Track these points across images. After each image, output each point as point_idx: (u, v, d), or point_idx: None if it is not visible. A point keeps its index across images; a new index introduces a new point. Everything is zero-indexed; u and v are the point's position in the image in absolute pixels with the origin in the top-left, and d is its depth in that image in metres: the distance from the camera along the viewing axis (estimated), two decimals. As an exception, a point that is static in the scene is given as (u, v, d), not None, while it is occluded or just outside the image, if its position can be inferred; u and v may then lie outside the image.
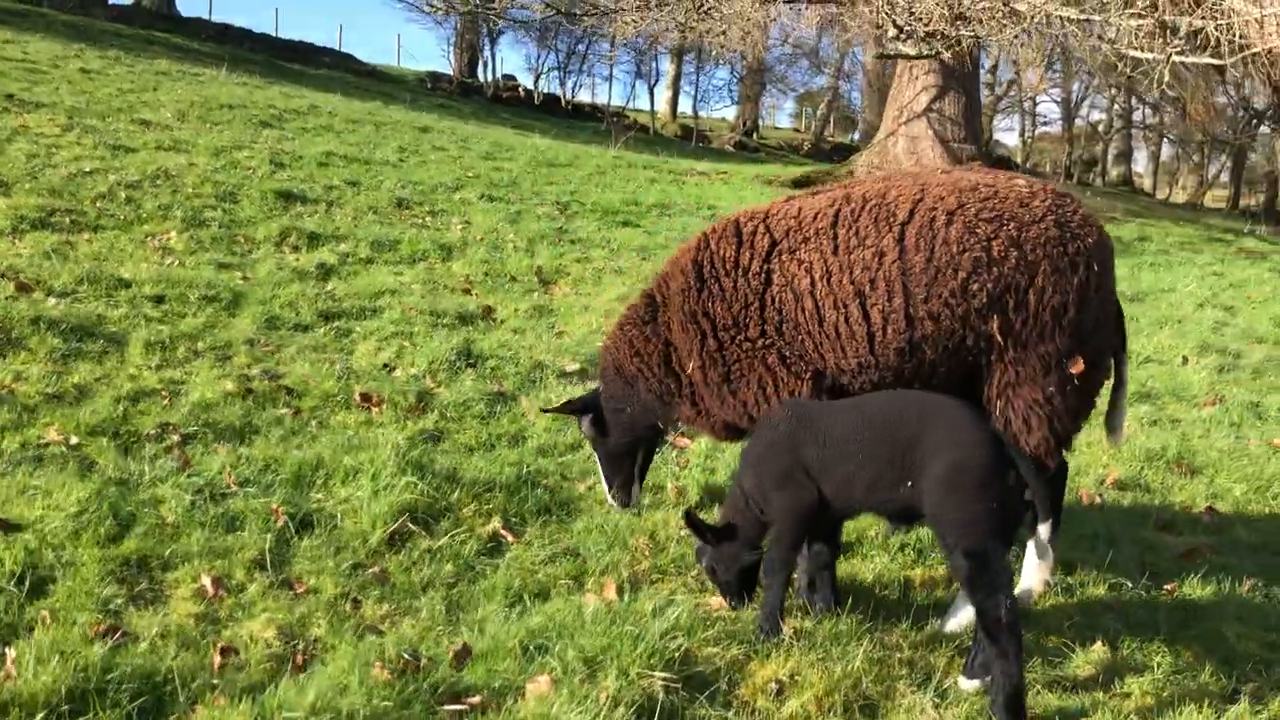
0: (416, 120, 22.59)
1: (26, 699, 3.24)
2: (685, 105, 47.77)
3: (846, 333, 4.62)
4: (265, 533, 4.73)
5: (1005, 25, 16.59)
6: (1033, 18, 16.23)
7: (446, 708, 3.55)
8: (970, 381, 4.63)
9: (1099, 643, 4.47)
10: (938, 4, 16.84)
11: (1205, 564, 5.49)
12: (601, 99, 49.45)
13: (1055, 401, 4.47)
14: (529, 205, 14.39)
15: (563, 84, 45.50)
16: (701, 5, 14.78)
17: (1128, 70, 17.56)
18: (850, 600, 4.56)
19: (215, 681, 3.57)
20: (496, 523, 5.18)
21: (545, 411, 6.18)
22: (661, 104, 46.68)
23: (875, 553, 5.28)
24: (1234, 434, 8.04)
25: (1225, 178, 48.34)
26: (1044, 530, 4.27)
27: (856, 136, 52.24)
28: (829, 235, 4.70)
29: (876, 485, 4.11)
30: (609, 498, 5.57)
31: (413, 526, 4.99)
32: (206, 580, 4.31)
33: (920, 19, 17.71)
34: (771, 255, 4.81)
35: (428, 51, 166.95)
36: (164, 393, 6.28)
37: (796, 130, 56.75)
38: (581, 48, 44.82)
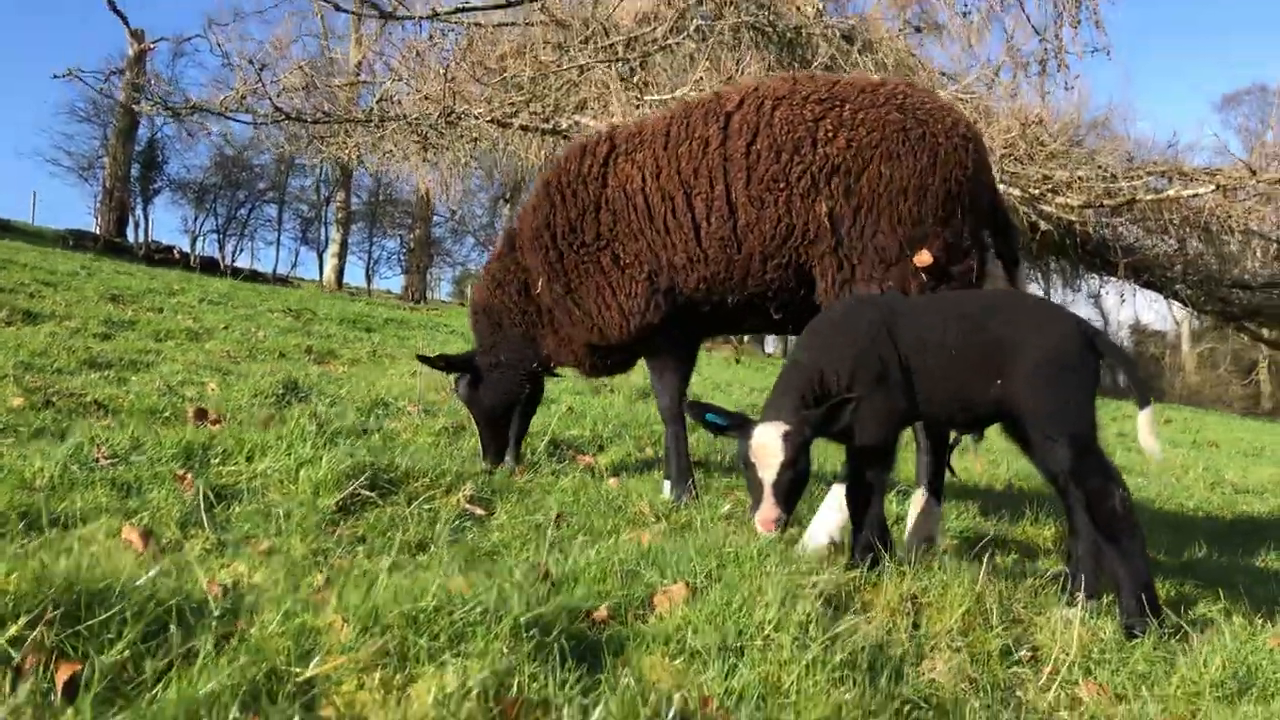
0: (68, 261, 20.35)
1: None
2: (352, 275, 46.75)
3: (674, 225, 4.59)
4: (177, 501, 3.53)
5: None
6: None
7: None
8: (806, 281, 4.47)
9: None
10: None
11: None
12: (262, 264, 47.25)
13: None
14: (260, 310, 13.09)
15: (221, 248, 43.19)
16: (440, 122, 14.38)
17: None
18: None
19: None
20: (461, 497, 4.20)
21: (422, 360, 5.58)
22: (328, 271, 45.43)
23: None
24: None
25: None
26: (1144, 417, 3.87)
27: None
28: (663, 133, 4.72)
29: (964, 386, 3.70)
30: (483, 461, 5.27)
31: (367, 493, 3.92)
32: (133, 535, 3.09)
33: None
34: (609, 159, 4.85)
35: (71, 210, 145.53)
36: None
37: (461, 304, 57.08)
38: (243, 212, 42.99)
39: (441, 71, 13.32)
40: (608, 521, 4.08)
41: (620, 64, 14.92)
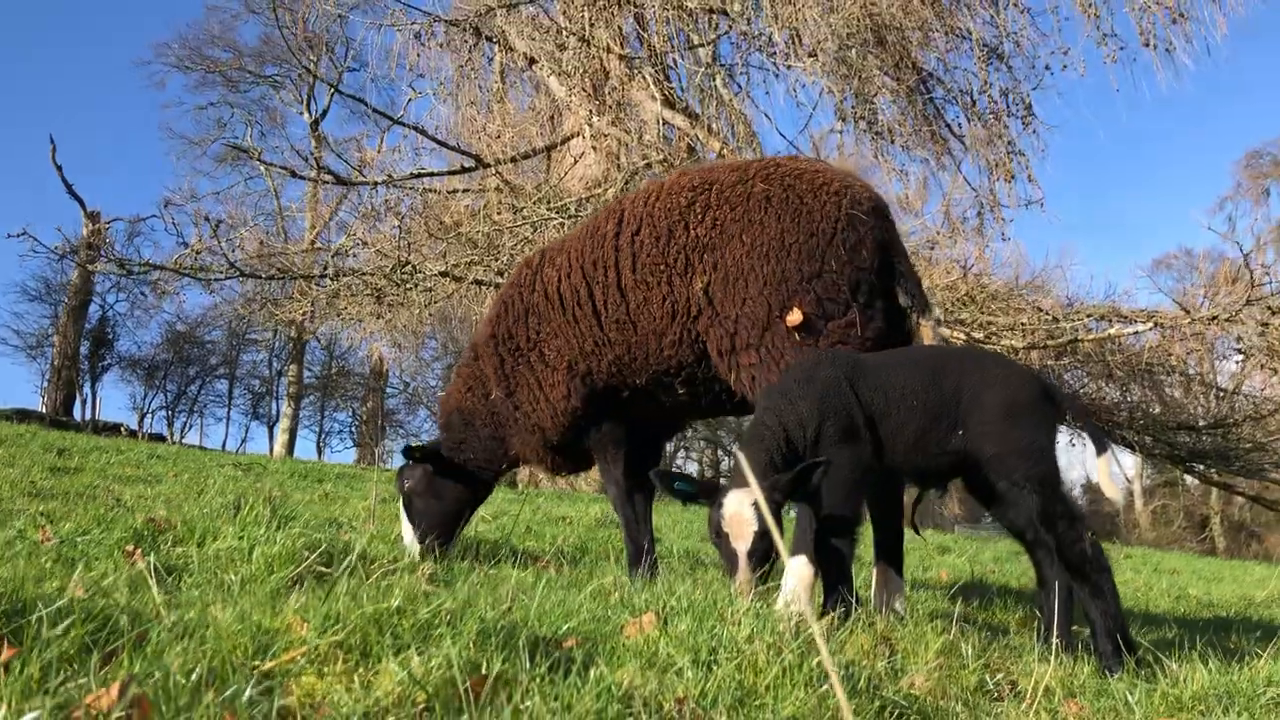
0: (9, 428, 19.98)
1: None
2: (303, 449, 46.21)
3: (580, 314, 4.87)
4: (126, 572, 3.40)
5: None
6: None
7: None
8: (703, 355, 4.64)
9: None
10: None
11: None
12: (211, 441, 46.67)
13: (780, 357, 4.28)
14: (209, 466, 12.87)
15: (170, 424, 42.65)
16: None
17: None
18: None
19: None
20: (420, 575, 4.07)
21: (407, 454, 5.66)
22: (279, 446, 44.92)
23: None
24: None
25: None
26: (1103, 463, 3.92)
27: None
28: (578, 236, 5.06)
29: (926, 437, 3.74)
30: (414, 552, 5.18)
31: (324, 569, 3.81)
32: (77, 588, 2.96)
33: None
34: (539, 267, 5.16)
35: (16, 390, 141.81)
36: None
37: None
38: (193, 388, 42.66)
39: (397, 223, 13.57)
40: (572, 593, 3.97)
41: (574, 221, 15.34)
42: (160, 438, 41.22)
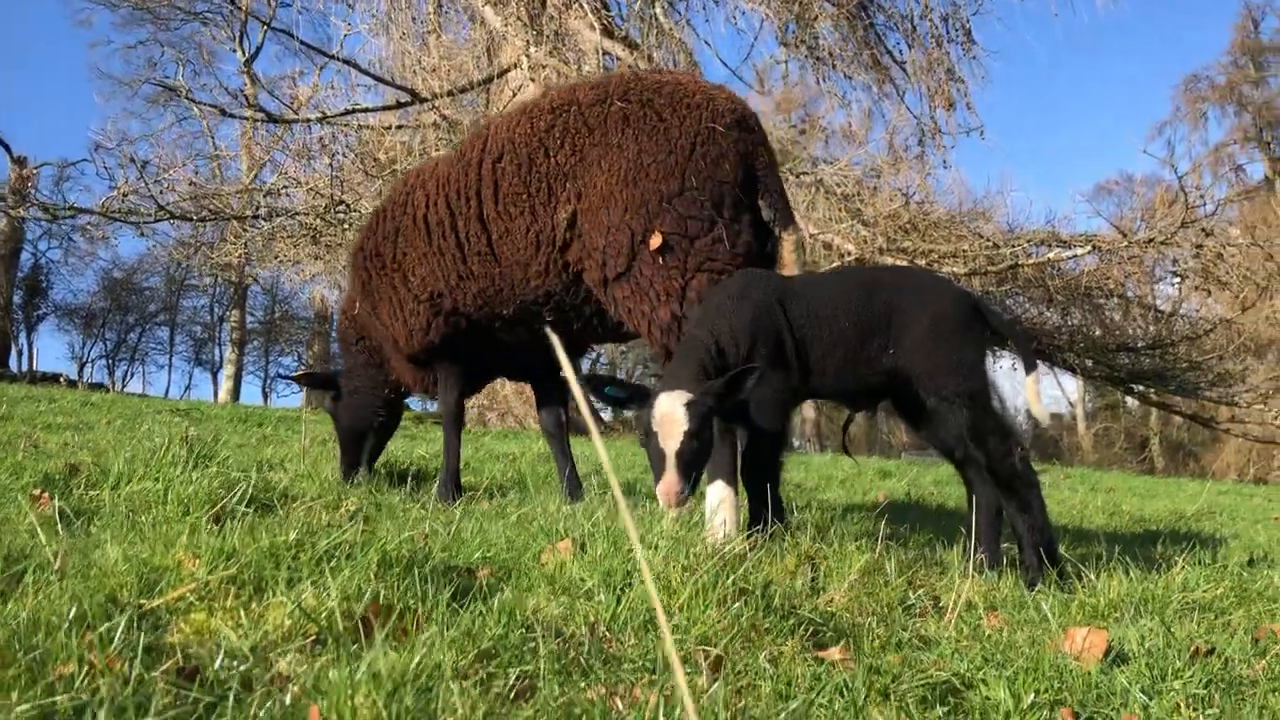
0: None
1: None
2: (249, 394, 45.60)
3: (445, 246, 4.76)
4: (31, 515, 3.29)
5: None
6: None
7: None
8: (572, 286, 4.54)
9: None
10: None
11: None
12: (154, 389, 45.88)
13: (650, 284, 4.15)
14: (145, 413, 12.62)
15: (110, 373, 41.90)
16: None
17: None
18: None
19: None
20: (343, 512, 3.99)
21: (285, 378, 5.71)
22: (223, 393, 44.33)
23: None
24: None
25: None
26: (1030, 381, 3.88)
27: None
28: (449, 161, 4.92)
29: (857, 357, 3.70)
30: (341, 471, 5.52)
31: (242, 509, 3.71)
32: None
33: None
34: (413, 187, 5.04)
35: None
36: None
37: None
38: (133, 336, 41.85)
39: (328, 161, 13.24)
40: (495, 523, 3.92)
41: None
42: (101, 387, 40.51)
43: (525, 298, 4.65)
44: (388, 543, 2.22)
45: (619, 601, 2.31)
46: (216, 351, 43.91)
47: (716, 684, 1.73)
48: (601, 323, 4.67)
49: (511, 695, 1.69)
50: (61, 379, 39.76)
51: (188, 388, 46.42)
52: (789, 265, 4.32)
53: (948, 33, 17.26)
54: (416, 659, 1.54)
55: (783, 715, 1.67)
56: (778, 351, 3.66)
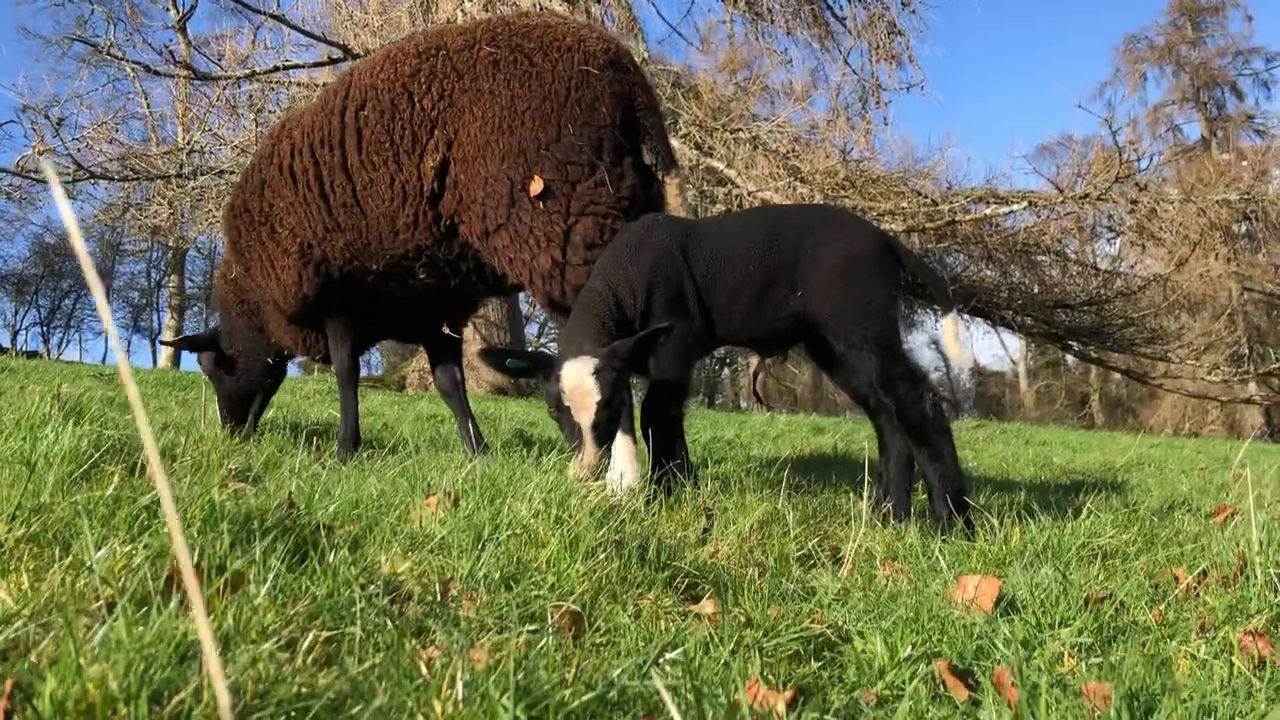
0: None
1: None
2: (190, 360, 44.75)
3: (310, 196, 4.59)
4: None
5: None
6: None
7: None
8: (443, 241, 4.40)
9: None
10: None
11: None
12: (91, 356, 44.92)
13: (530, 231, 4.00)
14: (68, 378, 12.21)
15: (46, 341, 40.88)
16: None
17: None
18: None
19: None
20: (224, 474, 3.78)
21: (164, 344, 5.50)
22: (163, 360, 43.41)
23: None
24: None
25: None
26: (948, 322, 3.71)
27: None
28: (313, 109, 4.71)
29: (764, 301, 3.55)
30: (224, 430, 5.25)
31: (111, 469, 3.49)
32: None
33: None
34: (280, 137, 4.84)
35: None
36: None
37: (307, 375, 55.40)
38: (68, 303, 40.84)
39: (254, 116, 12.83)
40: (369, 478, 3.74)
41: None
42: (35, 354, 39.50)
43: (395, 252, 4.47)
44: (215, 497, 2.03)
45: (478, 559, 2.15)
46: (155, 317, 42.97)
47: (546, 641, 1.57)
48: (480, 278, 4.51)
49: (320, 661, 1.52)
50: (-8, 347, 38.75)
51: (126, 354, 45.37)
52: (675, 208, 4.15)
53: (887, -14, 17.12)
54: (184, 628, 1.36)
55: (619, 672, 1.51)
56: (678, 299, 3.50)
